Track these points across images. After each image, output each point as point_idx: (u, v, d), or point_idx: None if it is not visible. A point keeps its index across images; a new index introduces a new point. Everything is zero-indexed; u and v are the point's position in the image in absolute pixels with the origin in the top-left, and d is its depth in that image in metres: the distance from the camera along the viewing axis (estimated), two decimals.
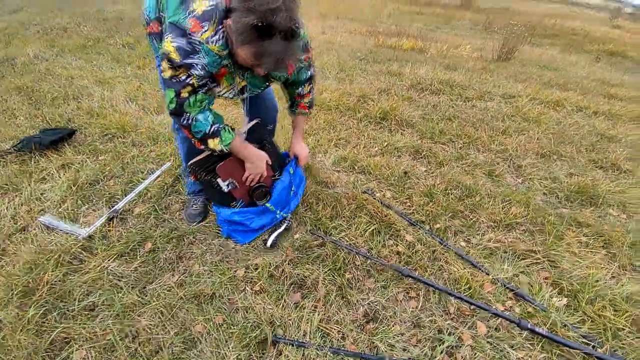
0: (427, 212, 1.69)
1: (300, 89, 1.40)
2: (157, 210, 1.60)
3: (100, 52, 4.01)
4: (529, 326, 1.11)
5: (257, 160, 1.34)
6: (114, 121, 2.34)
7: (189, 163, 1.31)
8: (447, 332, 1.14)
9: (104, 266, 1.29)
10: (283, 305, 1.21)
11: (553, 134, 2.67)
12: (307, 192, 1.73)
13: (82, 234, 1.41)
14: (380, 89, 3.30)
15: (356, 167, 2.07)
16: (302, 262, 1.37)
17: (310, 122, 2.56)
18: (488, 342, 1.11)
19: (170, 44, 0.97)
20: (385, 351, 1.06)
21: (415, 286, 1.30)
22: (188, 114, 1.09)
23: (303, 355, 1.05)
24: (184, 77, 1.01)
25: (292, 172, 1.54)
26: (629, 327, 1.19)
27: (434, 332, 1.14)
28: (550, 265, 1.42)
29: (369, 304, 1.23)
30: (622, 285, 1.33)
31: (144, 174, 1.88)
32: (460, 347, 1.09)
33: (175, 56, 0.97)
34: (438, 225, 1.61)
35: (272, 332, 1.10)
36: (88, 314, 1.15)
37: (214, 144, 1.18)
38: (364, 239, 1.49)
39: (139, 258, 1.36)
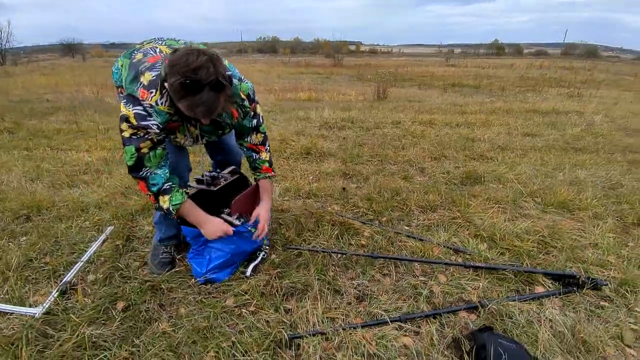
0: (373, 211, 2.01)
1: (248, 137, 1.46)
2: (123, 267, 1.51)
3: None
4: (471, 264, 1.46)
5: (205, 226, 1.36)
6: (26, 201, 2.08)
7: None
8: (421, 287, 1.40)
9: (81, 332, 1.17)
10: (283, 313, 1.30)
11: (436, 143, 3.44)
12: None
13: (37, 312, 1.25)
14: (296, 131, 3.72)
15: (301, 194, 2.31)
16: (287, 274, 1.49)
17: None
18: (450, 284, 1.41)
19: (128, 110, 1.13)
20: (383, 315, 1.25)
21: (385, 265, 1.55)
22: (147, 168, 1.21)
23: (322, 339, 1.15)
24: (142, 134, 1.15)
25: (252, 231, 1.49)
26: (538, 248, 1.66)
27: (412, 290, 1.39)
28: (469, 224, 1.87)
29: (355, 287, 1.42)
30: (517, 224, 1.84)
31: (85, 243, 1.73)
32: (434, 294, 1.37)
33: (133, 120, 1.13)
34: (384, 219, 1.94)
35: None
36: None
37: (163, 201, 1.25)
38: (333, 242, 1.70)
39: (116, 317, 1.27)
